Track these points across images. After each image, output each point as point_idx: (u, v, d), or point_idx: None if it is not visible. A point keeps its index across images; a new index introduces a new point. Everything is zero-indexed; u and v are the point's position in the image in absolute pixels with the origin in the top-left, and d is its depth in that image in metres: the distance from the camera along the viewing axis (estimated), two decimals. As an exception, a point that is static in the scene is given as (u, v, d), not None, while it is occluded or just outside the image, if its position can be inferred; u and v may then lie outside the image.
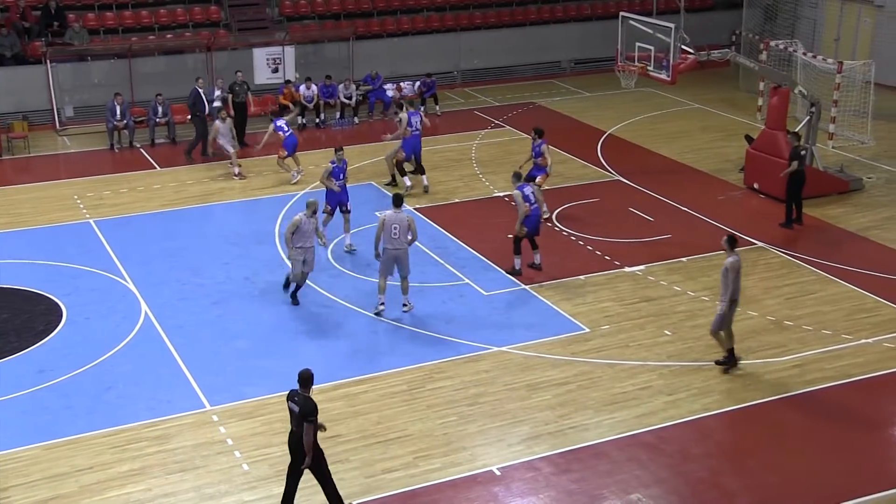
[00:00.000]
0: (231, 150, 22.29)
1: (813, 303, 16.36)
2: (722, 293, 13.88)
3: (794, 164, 19.06)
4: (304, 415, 10.61)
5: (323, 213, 17.69)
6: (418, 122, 21.27)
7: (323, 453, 11.04)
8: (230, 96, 23.96)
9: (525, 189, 16.89)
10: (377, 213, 16.26)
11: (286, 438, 12.52)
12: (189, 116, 24.01)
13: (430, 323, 15.60)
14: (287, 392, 10.99)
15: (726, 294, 13.78)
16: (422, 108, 27.09)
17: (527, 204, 16.74)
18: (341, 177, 18.13)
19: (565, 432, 12.87)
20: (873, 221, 19.68)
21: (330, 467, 12.00)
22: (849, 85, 24.47)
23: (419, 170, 21.25)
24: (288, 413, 10.99)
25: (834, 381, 14.03)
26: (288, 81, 26.14)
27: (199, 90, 23.52)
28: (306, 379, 10.73)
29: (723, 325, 14.02)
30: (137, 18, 27.87)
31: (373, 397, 13.63)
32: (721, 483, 11.90)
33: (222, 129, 22.20)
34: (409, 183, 20.95)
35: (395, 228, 15.34)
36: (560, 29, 31.77)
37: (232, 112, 23.35)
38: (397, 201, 15.59)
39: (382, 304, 15.72)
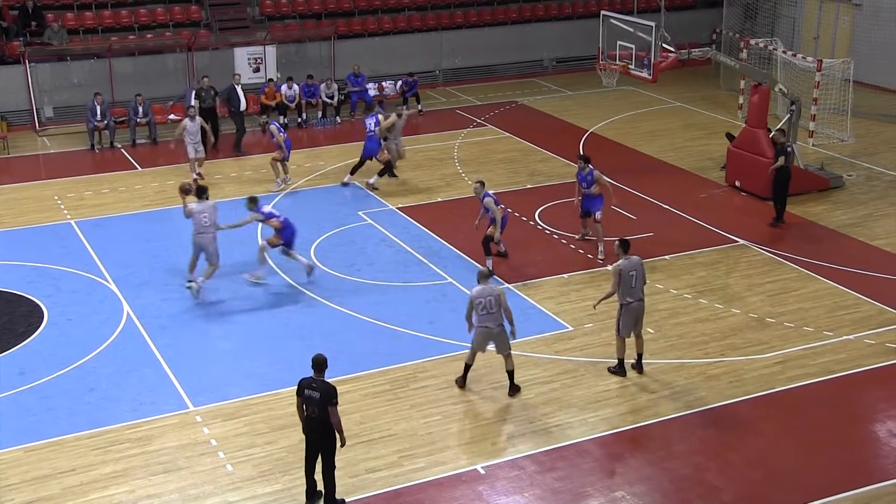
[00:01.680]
0: (192, 154, 21.63)
1: (795, 300, 16.45)
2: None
3: (781, 159, 19.09)
4: (329, 397, 10.87)
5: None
6: (372, 125, 21.17)
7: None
8: (197, 102, 23.28)
9: (490, 194, 17.06)
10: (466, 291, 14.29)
11: (270, 439, 12.53)
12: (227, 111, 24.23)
13: (413, 322, 15.59)
14: (297, 382, 11.12)
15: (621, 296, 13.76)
16: (405, 107, 27.11)
17: (500, 207, 17.03)
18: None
19: (549, 430, 12.89)
20: (853, 219, 19.80)
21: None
22: (828, 83, 24.62)
23: (357, 167, 21.27)
24: (303, 407, 11.09)
25: (816, 378, 14.11)
26: (270, 80, 26.08)
27: (236, 85, 23.72)
28: (321, 363, 11.05)
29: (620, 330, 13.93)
30: (117, 18, 27.71)
31: (356, 397, 13.60)
32: (705, 479, 11.95)
33: (189, 128, 21.52)
34: (371, 180, 21.10)
35: (485, 303, 13.19)
36: (541, 28, 31.82)
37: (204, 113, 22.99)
38: (483, 276, 13.44)
39: (462, 383, 13.77)
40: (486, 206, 16.98)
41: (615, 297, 13.89)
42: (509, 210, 19.09)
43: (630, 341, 14.05)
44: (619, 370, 14.20)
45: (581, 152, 18.83)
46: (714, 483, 11.89)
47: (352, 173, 21.29)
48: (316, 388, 10.97)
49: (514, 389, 13.63)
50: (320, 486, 11.36)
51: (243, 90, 24.28)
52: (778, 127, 21.41)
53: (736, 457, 12.37)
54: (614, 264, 14.03)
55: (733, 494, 11.71)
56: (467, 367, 13.72)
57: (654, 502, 11.58)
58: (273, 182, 21.37)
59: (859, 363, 14.48)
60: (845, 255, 18.14)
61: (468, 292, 13.62)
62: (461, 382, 13.77)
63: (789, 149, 19.53)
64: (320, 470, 11.25)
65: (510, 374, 13.61)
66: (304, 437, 11.27)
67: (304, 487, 11.39)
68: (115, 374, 14.11)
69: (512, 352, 13.55)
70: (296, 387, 11.20)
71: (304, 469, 11.33)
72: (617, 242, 14.12)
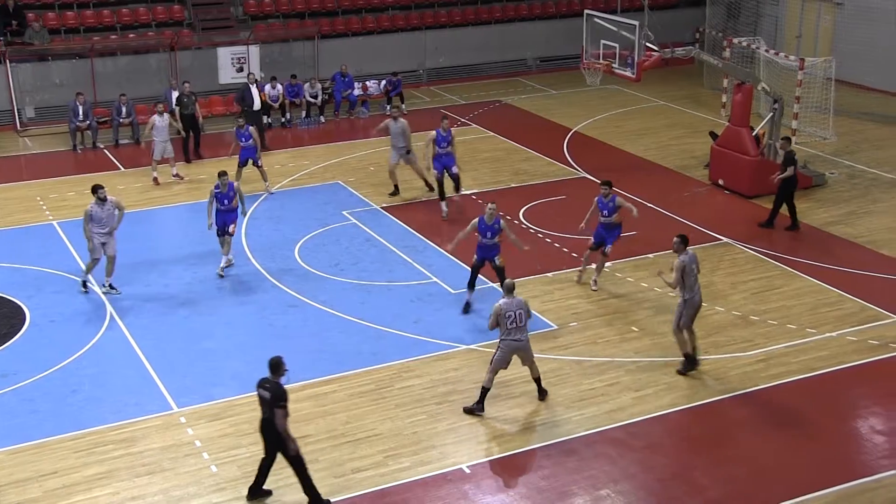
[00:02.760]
0: (157, 154, 21.34)
1: (778, 297, 16.52)
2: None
3: (791, 169, 18.75)
4: (275, 399, 10.76)
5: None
6: (244, 139, 20.70)
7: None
8: (178, 108, 23.13)
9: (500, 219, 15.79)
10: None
11: (255, 439, 12.49)
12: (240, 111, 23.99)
13: (397, 322, 15.57)
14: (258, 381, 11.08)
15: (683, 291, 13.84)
16: (388, 107, 27.11)
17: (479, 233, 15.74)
18: (225, 202, 17.00)
19: (534, 429, 12.89)
20: (835, 216, 19.90)
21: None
22: (810, 81, 24.73)
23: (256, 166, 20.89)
24: (259, 407, 11.06)
25: (799, 375, 14.18)
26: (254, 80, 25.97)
27: (250, 85, 23.73)
28: (276, 365, 10.94)
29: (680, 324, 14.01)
30: (99, 18, 27.56)
31: (341, 397, 13.58)
32: (690, 477, 11.98)
33: (158, 125, 21.27)
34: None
35: (515, 316, 12.82)
36: (525, 27, 31.85)
37: (175, 113, 22.83)
38: (509, 289, 13.08)
39: (481, 409, 13.22)
40: (501, 227, 15.60)
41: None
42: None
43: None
44: (689, 366, 14.08)
45: (606, 179, 17.12)
46: (699, 481, 11.92)
47: (442, 198, 19.88)
48: (268, 388, 10.91)
49: (542, 394, 13.46)
50: (268, 486, 11.42)
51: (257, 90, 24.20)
52: (759, 125, 21.47)
53: (720, 454, 12.41)
54: (677, 260, 13.85)
55: (718, 492, 11.74)
56: (484, 392, 13.11)
57: (639, 500, 11.61)
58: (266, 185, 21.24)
59: (842, 360, 14.55)
60: (828, 253, 18.23)
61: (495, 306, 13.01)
62: (479, 408, 13.11)
63: (796, 157, 19.16)
64: (290, 475, 11.24)
65: (538, 380, 13.39)
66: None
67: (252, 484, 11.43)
68: (99, 376, 14.04)
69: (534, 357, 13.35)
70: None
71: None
72: (676, 238, 14.00)
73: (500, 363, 13.04)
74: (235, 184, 17.46)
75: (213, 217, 17.12)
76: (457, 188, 20.14)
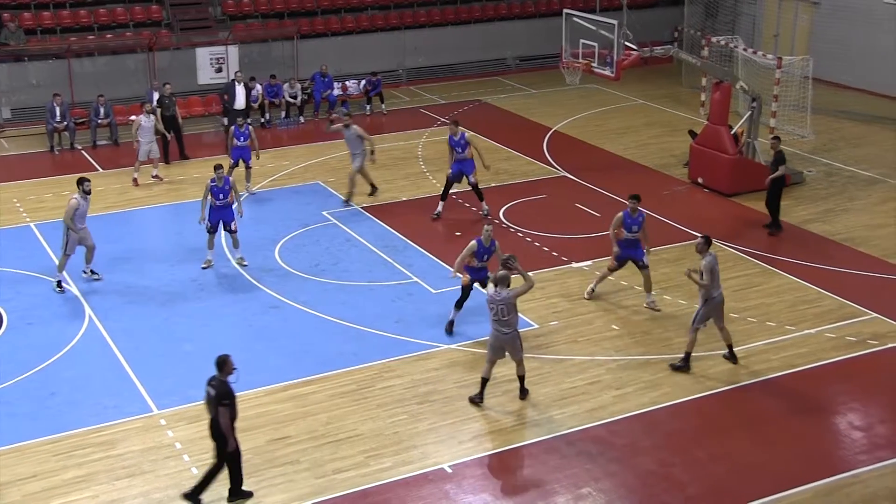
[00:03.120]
0: (142, 155, 21.20)
1: (757, 295, 16.61)
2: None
3: (782, 168, 18.74)
4: (219, 398, 10.84)
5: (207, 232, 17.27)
6: (242, 138, 20.61)
7: (238, 446, 11.15)
8: (160, 109, 22.92)
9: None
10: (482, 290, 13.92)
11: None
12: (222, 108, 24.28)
13: (378, 322, 15.55)
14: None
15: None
16: (368, 107, 27.08)
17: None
18: (221, 197, 17.03)
19: (516, 428, 12.91)
20: (813, 214, 20.02)
21: (279, 469, 11.98)
22: (788, 80, 24.85)
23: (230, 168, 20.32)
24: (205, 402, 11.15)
25: (779, 372, 14.26)
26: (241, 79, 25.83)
27: (237, 83, 23.78)
28: (221, 363, 11.02)
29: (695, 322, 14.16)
30: (76, 18, 27.39)
31: (322, 397, 13.55)
32: (671, 474, 12.03)
33: (144, 125, 21.17)
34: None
35: (497, 309, 12.90)
36: (504, 26, 31.89)
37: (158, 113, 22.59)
38: (501, 281, 13.04)
39: (480, 399, 13.39)
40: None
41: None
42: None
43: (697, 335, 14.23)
44: (683, 365, 14.18)
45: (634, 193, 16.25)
46: (679, 478, 11.97)
47: (443, 199, 19.60)
48: (214, 386, 11.00)
49: (524, 393, 13.47)
50: (249, 487, 11.49)
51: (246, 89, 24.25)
52: (738, 123, 21.57)
53: (700, 451, 12.46)
54: (705, 261, 13.85)
55: (698, 488, 11.80)
56: (484, 382, 13.30)
57: (620, 498, 11.64)
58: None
59: (820, 357, 14.64)
60: (806, 250, 18.34)
61: (484, 292, 13.44)
62: (478, 399, 13.31)
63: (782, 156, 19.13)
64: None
65: (521, 378, 13.43)
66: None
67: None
68: (77, 378, 13.95)
69: (524, 356, 13.39)
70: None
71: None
72: (701, 238, 14.10)
73: (491, 351, 13.19)
74: (231, 178, 17.50)
75: (206, 212, 17.13)
76: (479, 196, 19.44)
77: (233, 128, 20.99)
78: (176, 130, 23.04)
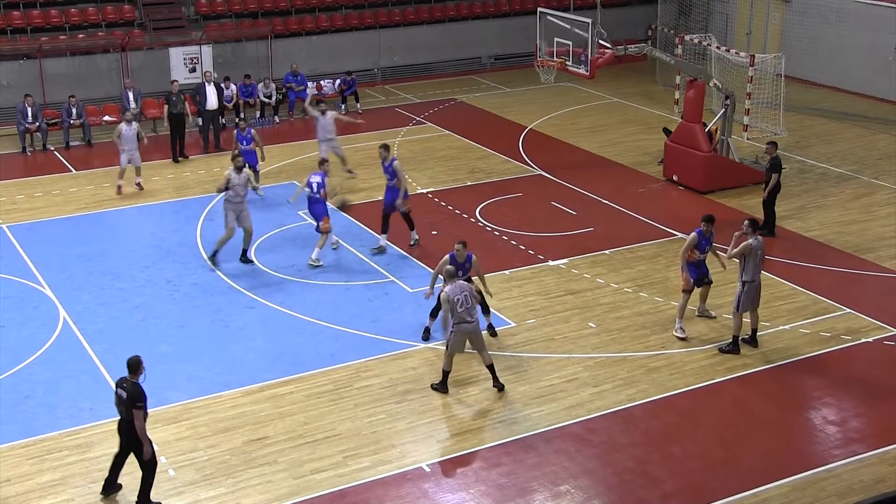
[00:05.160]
0: (123, 163, 20.67)
1: (732, 292, 16.54)
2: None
3: (775, 176, 18.62)
4: (132, 401, 10.81)
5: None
6: (245, 142, 20.64)
7: (154, 453, 11.14)
8: (167, 107, 22.93)
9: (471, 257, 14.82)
10: (439, 290, 13.91)
11: (213, 443, 12.41)
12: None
13: (355, 321, 15.53)
14: (117, 381, 11.11)
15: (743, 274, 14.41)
16: (343, 107, 27.02)
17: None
18: (244, 143, 19.57)
19: (494, 426, 12.93)
20: (787, 211, 20.16)
21: (257, 469, 11.95)
22: (761, 78, 25.08)
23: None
24: (116, 404, 11.06)
25: (754, 368, 14.35)
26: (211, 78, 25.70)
27: (206, 83, 23.56)
28: (134, 365, 10.99)
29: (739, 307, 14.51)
30: (47, 18, 27.15)
31: (299, 398, 13.51)
32: (647, 471, 12.09)
33: (125, 133, 20.62)
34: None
35: (462, 299, 13.05)
36: (479, 25, 31.92)
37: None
38: (451, 275, 13.40)
39: (445, 389, 13.55)
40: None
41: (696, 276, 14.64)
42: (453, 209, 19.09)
43: (745, 318, 14.62)
44: (733, 348, 14.55)
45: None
46: (656, 474, 12.03)
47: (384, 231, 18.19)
48: (125, 388, 10.92)
49: (499, 385, 13.53)
50: (121, 481, 11.45)
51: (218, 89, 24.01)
52: (712, 121, 21.68)
53: (677, 448, 12.53)
54: (746, 243, 14.30)
55: (674, 485, 11.86)
56: (446, 374, 13.49)
57: (597, 495, 11.69)
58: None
59: (795, 352, 14.76)
60: (780, 247, 18.47)
61: (441, 293, 13.39)
62: (443, 388, 13.51)
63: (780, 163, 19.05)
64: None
65: (490, 367, 13.52)
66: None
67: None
68: (52, 381, 13.84)
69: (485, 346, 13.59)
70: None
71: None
72: (747, 221, 14.46)
73: (457, 346, 13.30)
74: (253, 131, 19.69)
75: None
76: (409, 225, 18.18)
77: (235, 132, 20.81)
78: (181, 129, 22.91)
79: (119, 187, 20.94)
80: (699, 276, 15.23)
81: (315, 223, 17.65)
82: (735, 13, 31.95)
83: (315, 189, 17.49)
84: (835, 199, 20.98)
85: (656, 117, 26.36)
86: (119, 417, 11.10)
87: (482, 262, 14.85)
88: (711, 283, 15.51)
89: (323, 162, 18.35)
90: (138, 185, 21.21)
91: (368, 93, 28.64)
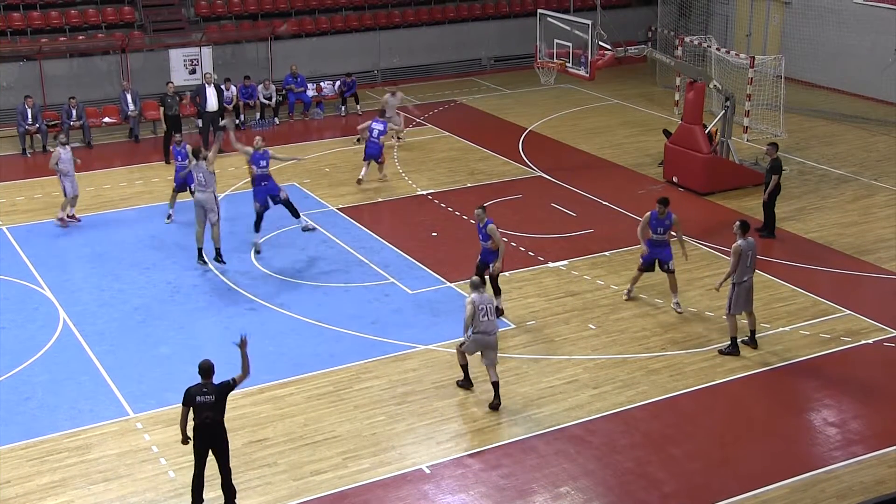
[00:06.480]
0: (69, 192, 18.99)
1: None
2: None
3: (775, 178, 18.64)
4: (226, 389, 10.96)
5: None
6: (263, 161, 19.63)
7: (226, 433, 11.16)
8: (162, 109, 22.90)
9: (492, 221, 15.44)
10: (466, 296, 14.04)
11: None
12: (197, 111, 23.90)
13: (355, 323, 15.52)
14: (185, 392, 10.94)
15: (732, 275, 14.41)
16: (342, 108, 27.02)
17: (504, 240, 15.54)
18: (262, 164, 18.17)
19: (494, 428, 12.93)
20: (787, 212, 20.16)
21: (257, 471, 11.95)
22: (761, 79, 25.09)
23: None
24: (198, 410, 10.93)
25: (754, 370, 14.35)
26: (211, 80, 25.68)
27: (207, 85, 23.47)
28: (208, 369, 11.06)
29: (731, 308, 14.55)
30: (47, 19, 27.15)
31: (299, 399, 13.51)
32: (647, 473, 12.09)
33: (63, 158, 18.90)
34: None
35: (486, 309, 13.08)
36: (479, 26, 31.92)
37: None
38: (475, 285, 13.31)
39: (469, 384, 13.75)
40: (489, 233, 15.26)
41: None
42: (458, 215, 19.08)
43: (742, 320, 14.67)
44: (732, 350, 14.58)
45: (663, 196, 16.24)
46: (656, 476, 12.03)
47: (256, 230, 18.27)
48: (208, 391, 10.89)
49: (497, 399, 13.25)
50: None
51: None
52: (712, 122, 21.69)
53: (677, 449, 12.53)
54: (734, 245, 14.32)
55: (674, 486, 11.86)
56: (464, 369, 13.62)
57: (598, 497, 11.69)
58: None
59: (795, 354, 14.76)
60: (779, 248, 18.48)
61: (467, 298, 13.27)
62: (468, 384, 13.65)
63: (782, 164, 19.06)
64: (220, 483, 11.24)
65: (495, 385, 13.26)
66: (193, 449, 11.06)
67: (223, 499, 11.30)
68: (52, 383, 13.84)
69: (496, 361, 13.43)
70: (182, 397, 10.97)
71: (192, 484, 11.12)
72: (737, 223, 14.43)
73: (469, 351, 13.35)
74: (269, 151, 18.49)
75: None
76: (294, 213, 18.53)
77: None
78: (178, 130, 22.83)
79: (70, 217, 19.33)
80: (653, 257, 15.84)
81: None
82: (735, 15, 31.96)
83: (375, 135, 20.98)
84: (835, 201, 20.98)
85: (656, 119, 26.36)
86: (201, 421, 10.88)
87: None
88: (672, 271, 15.86)
89: (383, 113, 21.34)
90: (72, 216, 19.37)
91: (368, 94, 28.61)
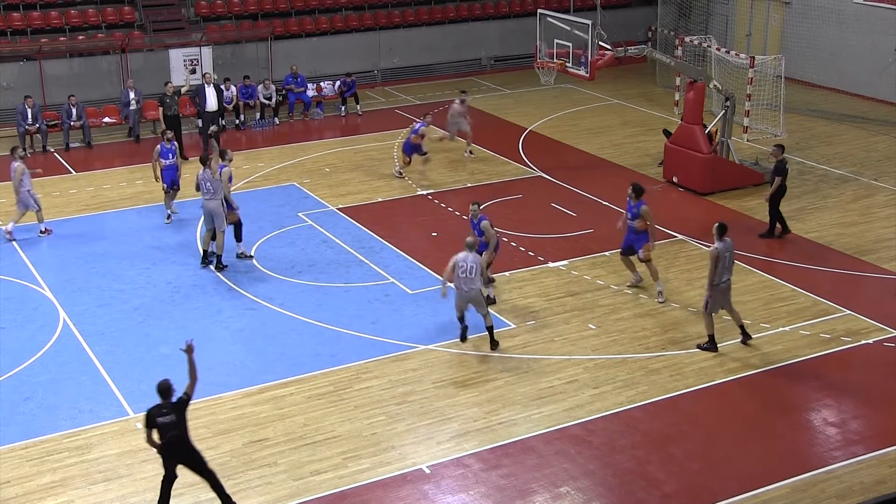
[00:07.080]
0: (35, 205, 18.45)
1: (732, 293, 16.61)
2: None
3: (778, 179, 18.66)
4: (183, 405, 10.86)
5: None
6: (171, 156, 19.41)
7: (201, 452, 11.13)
8: (161, 109, 22.90)
9: (487, 218, 15.95)
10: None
11: (213, 444, 12.39)
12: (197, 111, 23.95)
13: (355, 323, 15.52)
14: (146, 413, 10.82)
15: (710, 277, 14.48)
16: (342, 108, 27.03)
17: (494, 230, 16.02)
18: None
19: (494, 428, 12.93)
20: (787, 212, 20.09)
21: (257, 471, 11.95)
22: (761, 79, 25.09)
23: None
24: (162, 430, 10.82)
25: (754, 370, 14.35)
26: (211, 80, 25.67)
27: (206, 85, 23.43)
28: (166, 389, 10.88)
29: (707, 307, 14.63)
30: (47, 19, 27.16)
31: (299, 399, 13.51)
32: (647, 472, 12.09)
33: (26, 174, 18.35)
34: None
35: (467, 267, 14.14)
36: (479, 26, 31.93)
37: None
38: (470, 245, 14.38)
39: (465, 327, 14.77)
40: (482, 229, 15.72)
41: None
42: (453, 212, 19.08)
43: (727, 317, 14.85)
44: (710, 346, 14.69)
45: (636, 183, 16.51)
46: (656, 476, 12.03)
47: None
48: (167, 411, 10.79)
49: (494, 344, 14.58)
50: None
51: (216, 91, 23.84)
52: (712, 122, 21.69)
53: (677, 449, 12.53)
54: (711, 249, 14.43)
55: (674, 486, 11.86)
56: (461, 321, 14.63)
57: (598, 497, 11.68)
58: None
59: (795, 354, 14.75)
60: (779, 248, 18.48)
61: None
62: (463, 337, 14.72)
63: (787, 165, 19.03)
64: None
65: (490, 329, 14.56)
66: (163, 465, 11.02)
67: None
68: (52, 383, 13.84)
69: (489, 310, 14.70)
70: (144, 419, 10.89)
71: (160, 490, 11.07)
72: (715, 225, 14.53)
73: (457, 304, 14.52)
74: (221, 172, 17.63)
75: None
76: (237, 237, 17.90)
77: (158, 146, 18.63)
78: (177, 130, 22.85)
79: (44, 231, 18.78)
80: (627, 241, 16.39)
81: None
82: (735, 15, 31.96)
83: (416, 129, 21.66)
84: (835, 201, 20.98)
85: (656, 119, 26.36)
86: (166, 441, 10.82)
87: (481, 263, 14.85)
88: (645, 260, 16.26)
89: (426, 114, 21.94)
90: (46, 230, 18.82)
91: (368, 94, 28.64)
